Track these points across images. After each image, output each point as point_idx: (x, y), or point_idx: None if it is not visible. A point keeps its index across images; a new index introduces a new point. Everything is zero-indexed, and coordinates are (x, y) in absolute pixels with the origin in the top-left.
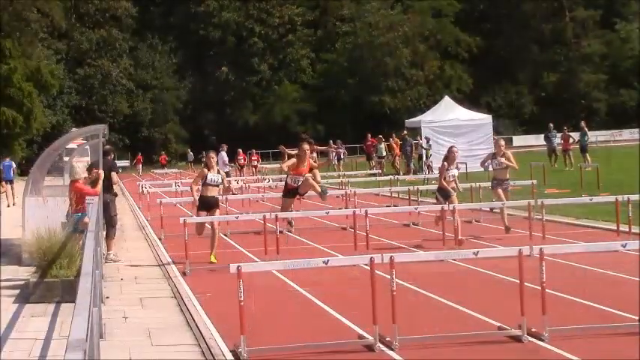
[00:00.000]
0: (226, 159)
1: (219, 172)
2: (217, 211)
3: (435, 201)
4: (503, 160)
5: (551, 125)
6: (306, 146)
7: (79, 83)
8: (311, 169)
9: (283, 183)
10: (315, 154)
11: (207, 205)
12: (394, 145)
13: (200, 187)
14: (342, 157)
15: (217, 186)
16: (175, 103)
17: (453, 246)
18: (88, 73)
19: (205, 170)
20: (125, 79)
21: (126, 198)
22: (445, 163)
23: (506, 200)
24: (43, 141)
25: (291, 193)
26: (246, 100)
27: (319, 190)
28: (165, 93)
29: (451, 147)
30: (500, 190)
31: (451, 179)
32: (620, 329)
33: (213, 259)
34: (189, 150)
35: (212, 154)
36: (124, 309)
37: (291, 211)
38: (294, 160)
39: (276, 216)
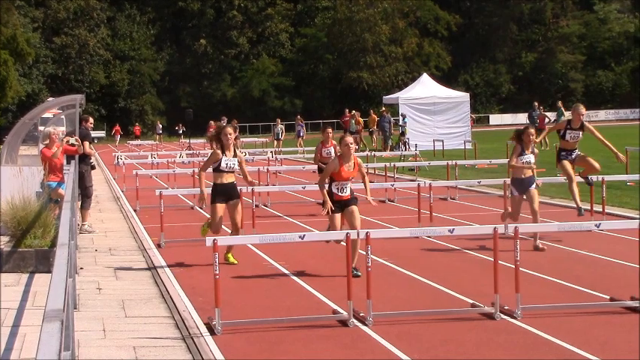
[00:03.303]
0: None
1: (236, 155)
2: (239, 204)
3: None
4: (581, 133)
5: (536, 104)
6: (350, 139)
7: (56, 52)
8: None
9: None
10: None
11: (224, 192)
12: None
13: (213, 175)
14: (301, 134)
15: (233, 172)
16: (153, 74)
17: (429, 223)
18: (64, 42)
19: (219, 153)
20: (102, 50)
21: (101, 169)
22: (518, 146)
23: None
24: (17, 110)
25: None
26: (224, 73)
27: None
28: (142, 64)
29: (527, 126)
30: (567, 163)
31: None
32: (591, 308)
33: (231, 258)
34: (158, 122)
35: (229, 130)
36: (98, 280)
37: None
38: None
39: (252, 190)
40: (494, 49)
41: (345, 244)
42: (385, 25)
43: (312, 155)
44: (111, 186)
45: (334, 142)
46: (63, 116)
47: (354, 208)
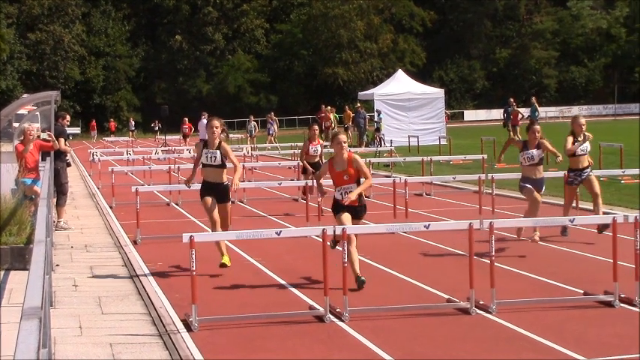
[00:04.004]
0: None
1: (220, 148)
2: (228, 205)
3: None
4: (588, 144)
5: (512, 100)
6: (343, 137)
7: (30, 48)
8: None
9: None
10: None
11: (209, 190)
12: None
13: (201, 171)
14: (270, 131)
15: (220, 167)
16: (128, 70)
17: (404, 219)
18: (39, 38)
19: (201, 145)
20: (77, 46)
21: (77, 165)
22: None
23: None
24: None
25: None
26: (200, 69)
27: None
28: (117, 60)
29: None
30: (574, 189)
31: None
32: (565, 302)
33: (226, 260)
34: (131, 118)
35: (216, 123)
36: (74, 277)
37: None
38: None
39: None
40: (468, 45)
41: (340, 248)
42: (360, 21)
43: (288, 152)
44: (86, 183)
45: (320, 139)
46: (38, 113)
47: (358, 222)
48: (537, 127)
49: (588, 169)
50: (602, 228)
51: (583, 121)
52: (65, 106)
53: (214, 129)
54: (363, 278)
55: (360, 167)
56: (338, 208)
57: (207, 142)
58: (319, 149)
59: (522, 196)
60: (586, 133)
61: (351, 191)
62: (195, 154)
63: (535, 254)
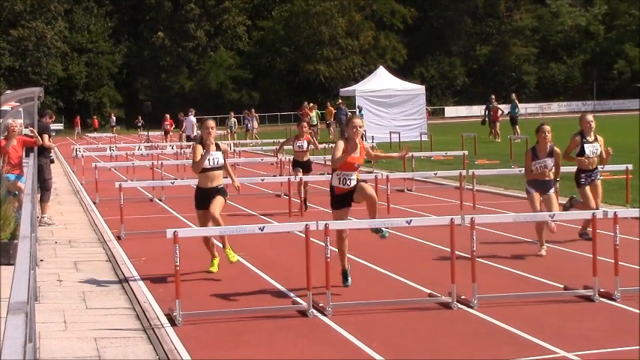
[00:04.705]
0: (194, 122)
1: (219, 149)
2: (224, 198)
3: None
4: (598, 145)
5: (493, 97)
6: (359, 121)
7: (13, 45)
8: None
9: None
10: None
11: (204, 200)
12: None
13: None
14: (248, 127)
15: (221, 169)
16: (111, 67)
17: (386, 214)
18: (21, 34)
19: (199, 147)
20: (60, 42)
21: (60, 162)
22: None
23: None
24: None
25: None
26: (182, 66)
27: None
28: (100, 57)
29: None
30: (588, 190)
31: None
32: (545, 297)
33: (214, 268)
34: (111, 114)
35: (211, 123)
36: (58, 272)
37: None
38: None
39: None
40: (449, 42)
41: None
42: (342, 18)
43: (270, 148)
44: (70, 179)
45: (309, 136)
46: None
47: (362, 184)
48: (547, 127)
49: (597, 171)
50: (583, 232)
51: (591, 117)
52: (48, 102)
53: (210, 129)
54: (348, 272)
55: (368, 152)
56: (338, 202)
57: (204, 145)
58: (305, 145)
59: (502, 192)
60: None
61: (350, 178)
62: (194, 157)
63: (516, 250)
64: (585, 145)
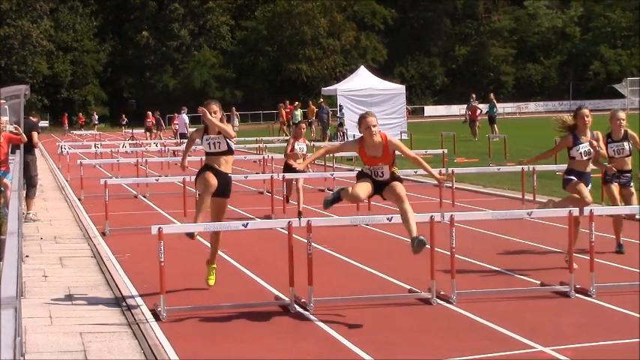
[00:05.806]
0: (187, 121)
1: (219, 133)
2: (227, 201)
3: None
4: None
5: (474, 96)
6: (372, 119)
7: None
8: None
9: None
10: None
11: (213, 170)
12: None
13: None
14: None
15: (226, 153)
16: (95, 65)
17: (367, 212)
18: (7, 33)
19: (196, 134)
20: (45, 41)
21: (45, 159)
22: (575, 134)
23: (630, 204)
24: None
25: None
26: (166, 64)
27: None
28: (85, 55)
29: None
30: (614, 188)
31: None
32: (523, 293)
33: (211, 281)
34: (94, 112)
35: (214, 107)
36: (43, 268)
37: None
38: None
39: (196, 179)
40: (428, 42)
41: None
42: (323, 18)
43: (253, 145)
44: (55, 175)
45: (306, 139)
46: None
47: (396, 183)
48: (586, 110)
49: (629, 174)
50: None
51: (622, 115)
52: (33, 100)
53: (213, 114)
54: (422, 238)
55: (401, 149)
56: (364, 175)
57: (207, 128)
58: (305, 148)
59: (481, 190)
60: (628, 131)
61: (382, 171)
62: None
63: (492, 246)
64: (609, 145)
